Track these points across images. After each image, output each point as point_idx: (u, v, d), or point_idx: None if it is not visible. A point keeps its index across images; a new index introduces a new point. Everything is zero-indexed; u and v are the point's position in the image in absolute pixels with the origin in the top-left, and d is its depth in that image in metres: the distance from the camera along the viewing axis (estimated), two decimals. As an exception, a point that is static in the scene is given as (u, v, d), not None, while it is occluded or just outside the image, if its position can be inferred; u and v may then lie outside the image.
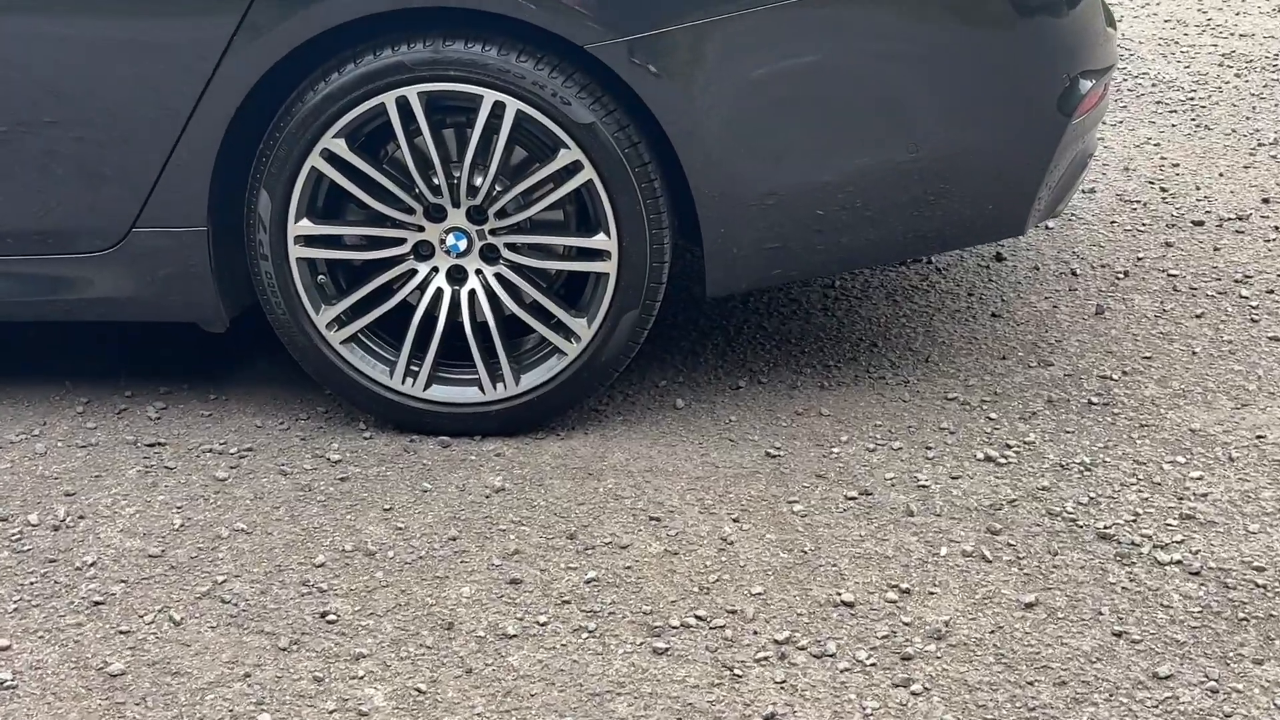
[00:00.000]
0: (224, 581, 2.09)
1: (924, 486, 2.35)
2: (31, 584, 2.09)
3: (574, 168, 2.39)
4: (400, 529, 2.24)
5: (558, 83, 2.32)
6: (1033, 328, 2.99)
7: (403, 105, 2.35)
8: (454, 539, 2.21)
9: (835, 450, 2.49)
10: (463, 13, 2.31)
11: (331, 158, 2.39)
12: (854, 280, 3.20)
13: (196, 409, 2.65)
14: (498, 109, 2.35)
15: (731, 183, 2.45)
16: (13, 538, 2.22)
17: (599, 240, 2.44)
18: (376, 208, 2.44)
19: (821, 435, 2.55)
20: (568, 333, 2.49)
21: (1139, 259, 3.31)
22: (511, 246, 2.47)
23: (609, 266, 2.45)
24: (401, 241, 2.47)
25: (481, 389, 2.52)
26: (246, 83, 2.35)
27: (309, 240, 2.46)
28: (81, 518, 2.27)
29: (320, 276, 2.51)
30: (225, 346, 2.79)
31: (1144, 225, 3.51)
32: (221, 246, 2.50)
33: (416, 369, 2.52)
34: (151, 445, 2.51)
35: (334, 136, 2.37)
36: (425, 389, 2.53)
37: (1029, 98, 2.52)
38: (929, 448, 2.48)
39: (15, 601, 2.05)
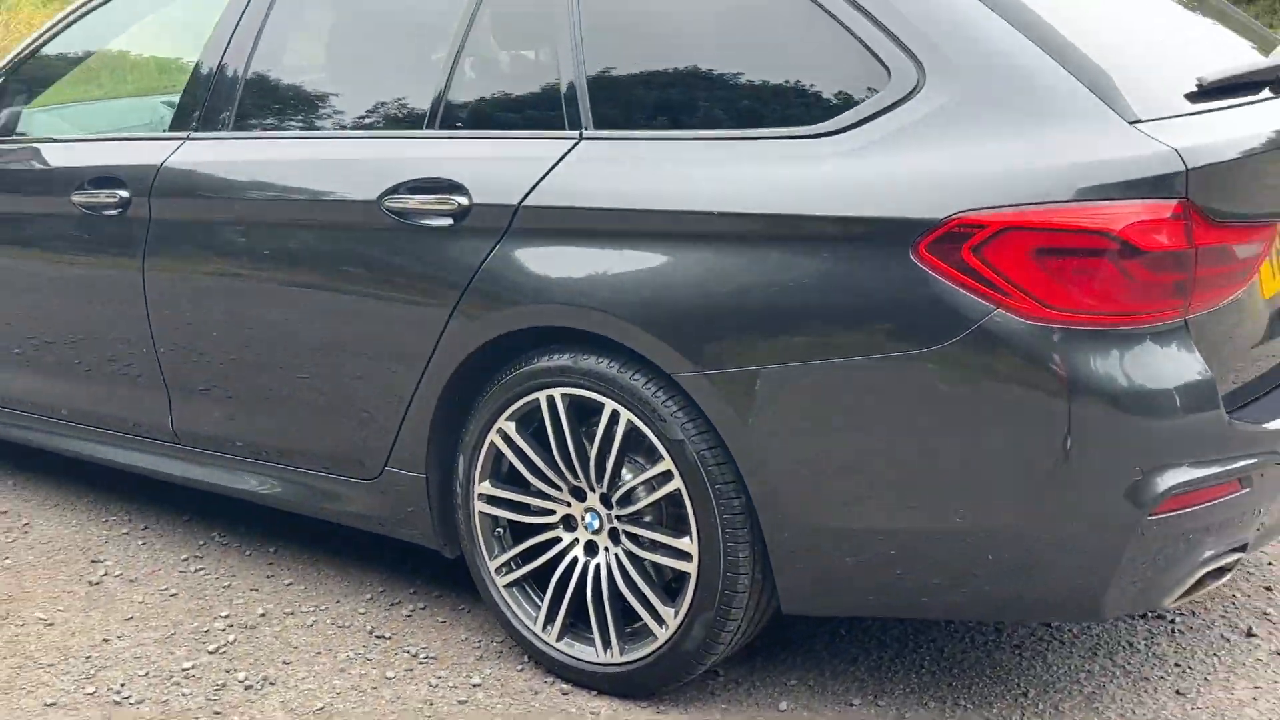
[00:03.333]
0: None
1: None
2: None
3: (667, 476, 2.66)
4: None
5: (659, 401, 2.55)
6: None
7: (550, 402, 2.74)
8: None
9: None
10: (591, 333, 2.66)
11: (505, 436, 2.82)
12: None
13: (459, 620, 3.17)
14: (614, 416, 2.65)
15: (791, 514, 2.52)
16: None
17: (684, 543, 2.61)
18: (534, 483, 2.82)
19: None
20: (660, 619, 2.70)
21: None
22: (628, 534, 2.72)
23: (691, 568, 2.62)
24: (553, 512, 2.81)
25: (597, 651, 2.79)
26: (454, 362, 2.81)
27: (489, 499, 2.85)
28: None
29: (498, 529, 2.89)
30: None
31: None
32: (443, 491, 3.00)
33: (554, 620, 2.84)
34: (377, 637, 3.06)
35: (507, 419, 2.77)
36: (558, 639, 2.81)
37: (1084, 487, 2.32)
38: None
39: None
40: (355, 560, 3.45)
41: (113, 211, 3.38)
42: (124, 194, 3.35)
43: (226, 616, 3.18)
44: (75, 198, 3.44)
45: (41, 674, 2.92)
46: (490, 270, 2.74)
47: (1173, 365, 2.30)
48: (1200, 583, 2.46)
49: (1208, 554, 2.40)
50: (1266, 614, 3.11)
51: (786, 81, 2.61)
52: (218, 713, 2.76)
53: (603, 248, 2.65)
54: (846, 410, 2.46)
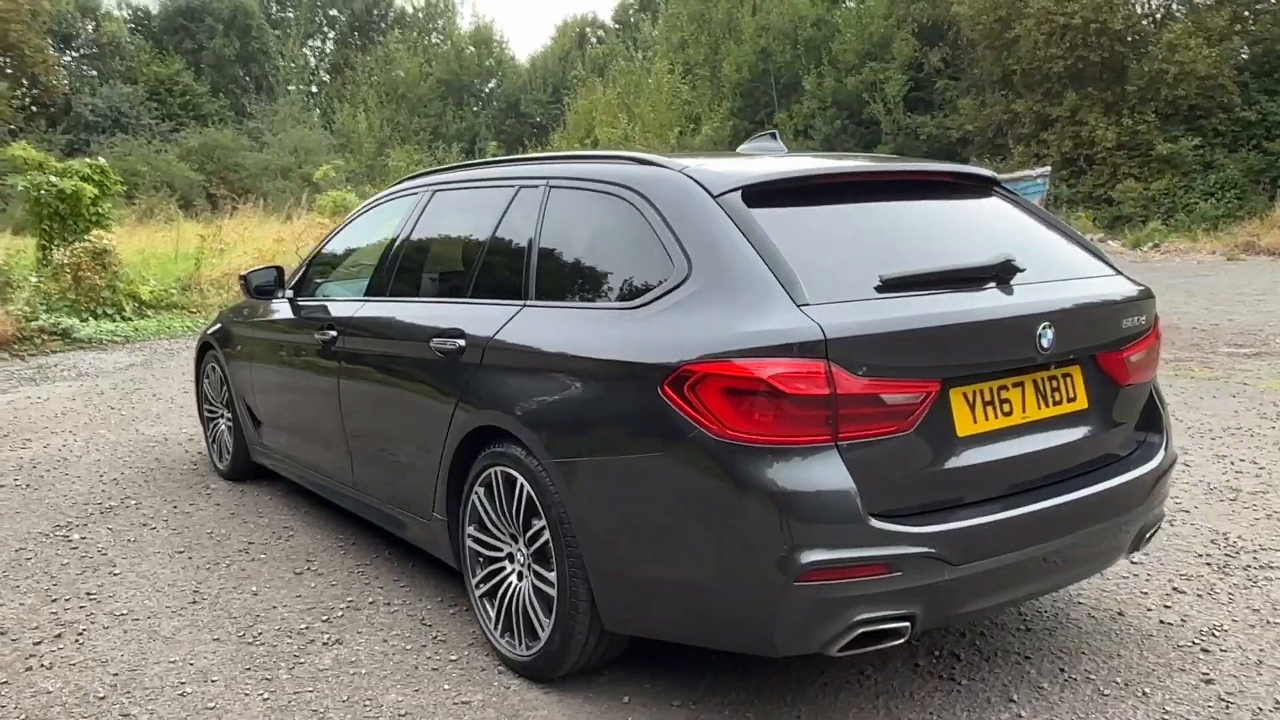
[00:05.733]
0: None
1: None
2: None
3: (543, 530, 3.02)
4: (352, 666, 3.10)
5: (541, 478, 2.97)
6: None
7: (495, 476, 3.19)
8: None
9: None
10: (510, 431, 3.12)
11: (478, 497, 3.29)
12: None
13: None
14: (522, 487, 3.07)
15: (599, 561, 2.83)
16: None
17: (552, 576, 2.99)
18: (492, 530, 3.27)
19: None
20: (543, 627, 3.04)
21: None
22: (532, 568, 3.12)
23: (554, 594, 2.99)
24: (501, 549, 3.25)
25: (514, 645, 3.18)
26: (454, 445, 3.32)
27: (472, 538, 3.34)
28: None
29: (479, 558, 3.35)
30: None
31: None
32: (455, 531, 3.48)
33: (499, 622, 3.25)
34: (424, 624, 3.60)
35: (478, 486, 3.25)
36: (500, 636, 3.24)
37: (744, 558, 2.49)
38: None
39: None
40: (445, 576, 3.98)
41: (330, 343, 4.19)
42: (334, 334, 4.16)
43: (351, 600, 3.83)
44: (316, 335, 4.30)
45: (227, 622, 3.67)
46: (471, 386, 3.28)
47: (817, 476, 2.46)
48: (863, 640, 2.53)
49: (860, 618, 2.49)
50: (1041, 688, 3.01)
51: (623, 274, 2.99)
52: (295, 655, 3.38)
53: (519, 375, 3.12)
54: (622, 492, 2.77)
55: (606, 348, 2.83)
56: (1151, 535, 3.16)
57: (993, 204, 3.30)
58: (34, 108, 40.19)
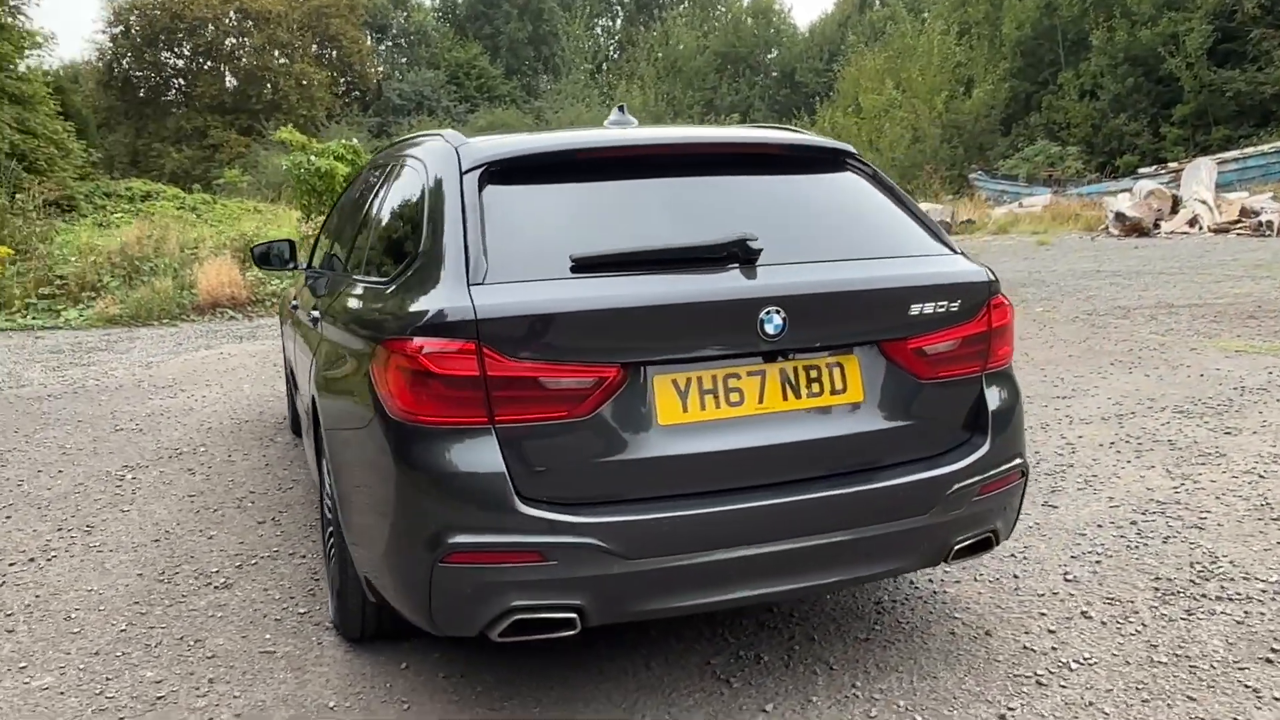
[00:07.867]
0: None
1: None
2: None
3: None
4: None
5: (328, 445, 3.11)
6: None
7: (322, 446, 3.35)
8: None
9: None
10: (321, 402, 3.25)
11: (326, 464, 3.47)
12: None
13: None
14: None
15: (345, 526, 2.92)
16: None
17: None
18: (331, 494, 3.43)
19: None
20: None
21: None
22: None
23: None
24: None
25: (330, 608, 3.33)
26: (311, 414, 3.53)
27: (326, 502, 3.51)
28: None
29: (329, 521, 3.48)
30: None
31: None
32: None
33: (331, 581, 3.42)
34: (314, 578, 3.83)
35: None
36: (333, 595, 3.40)
37: (402, 534, 2.48)
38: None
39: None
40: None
41: (293, 312, 4.52)
42: (296, 304, 4.48)
43: (276, 550, 4.14)
44: (290, 305, 4.65)
45: (161, 561, 4.09)
46: (314, 357, 3.44)
47: (469, 458, 2.41)
48: (524, 627, 2.46)
49: (515, 604, 2.43)
50: (810, 702, 2.77)
51: (401, 249, 3.00)
52: (183, 596, 3.72)
53: (324, 346, 3.25)
54: (350, 465, 2.88)
55: (354, 324, 2.91)
56: (967, 547, 2.81)
57: (833, 180, 3.02)
58: (355, 93, 44.65)
